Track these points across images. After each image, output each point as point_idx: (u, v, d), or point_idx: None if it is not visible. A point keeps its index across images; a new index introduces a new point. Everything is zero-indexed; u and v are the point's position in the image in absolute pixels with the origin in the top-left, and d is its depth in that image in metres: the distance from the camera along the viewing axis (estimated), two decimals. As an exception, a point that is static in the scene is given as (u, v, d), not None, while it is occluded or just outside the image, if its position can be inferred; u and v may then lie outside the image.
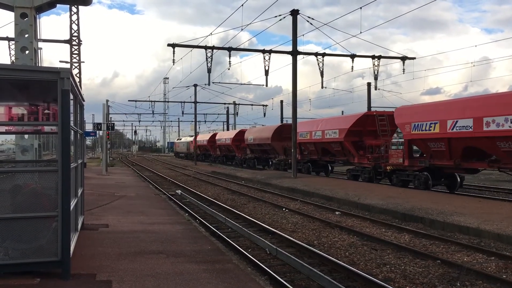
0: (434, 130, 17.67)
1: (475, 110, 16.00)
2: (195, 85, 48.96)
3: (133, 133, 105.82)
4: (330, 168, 29.62)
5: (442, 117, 17.30)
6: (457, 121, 16.60)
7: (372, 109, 42.52)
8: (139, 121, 76.91)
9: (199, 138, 59.89)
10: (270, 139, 35.44)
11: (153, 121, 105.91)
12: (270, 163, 38.33)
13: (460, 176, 18.89)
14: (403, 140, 19.53)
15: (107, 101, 49.79)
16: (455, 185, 18.90)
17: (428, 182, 18.49)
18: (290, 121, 29.14)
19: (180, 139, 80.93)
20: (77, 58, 33.65)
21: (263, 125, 46.58)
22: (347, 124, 24.38)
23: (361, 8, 22.26)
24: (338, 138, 24.98)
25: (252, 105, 59.69)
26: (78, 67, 33.55)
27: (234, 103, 61.94)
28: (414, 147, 20.40)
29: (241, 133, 44.68)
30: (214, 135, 55.21)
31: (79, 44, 33.48)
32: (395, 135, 23.54)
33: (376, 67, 28.11)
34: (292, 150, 26.41)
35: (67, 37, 33.34)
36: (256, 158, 40.85)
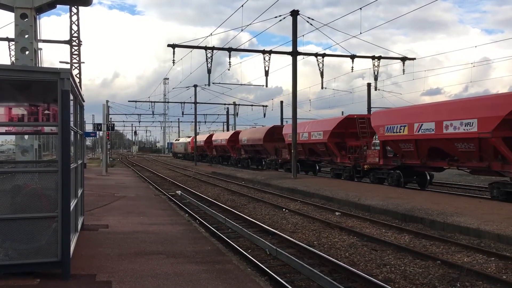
0: (403, 132, 19.58)
1: (437, 114, 17.89)
2: (195, 86, 48.99)
3: (133, 133, 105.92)
4: (317, 167, 30.89)
5: (410, 121, 19.16)
6: (422, 124, 18.44)
7: (372, 109, 42.52)
8: (139, 121, 77.08)
9: (197, 138, 60.93)
10: (262, 140, 37.08)
11: (153, 122, 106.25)
12: (263, 163, 39.60)
13: (430, 174, 20.71)
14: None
15: (107, 101, 49.78)
16: (425, 182, 20.74)
17: (400, 180, 20.37)
18: (290, 122, 29.50)
19: (178, 140, 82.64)
20: (77, 58, 33.68)
21: (263, 125, 47.59)
22: (330, 126, 26.11)
23: (361, 8, 22.31)
24: (322, 140, 26.74)
25: (252, 105, 59.77)
26: (78, 67, 33.58)
27: (234, 104, 61.96)
28: (388, 148, 22.04)
29: (236, 134, 46.18)
30: (211, 136, 56.41)
31: (79, 44, 33.51)
32: (375, 136, 24.79)
33: (376, 68, 28.11)
34: (293, 151, 26.40)
35: (67, 37, 33.37)
36: (250, 158, 42.32)
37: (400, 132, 19.78)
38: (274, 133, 36.24)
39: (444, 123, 17.24)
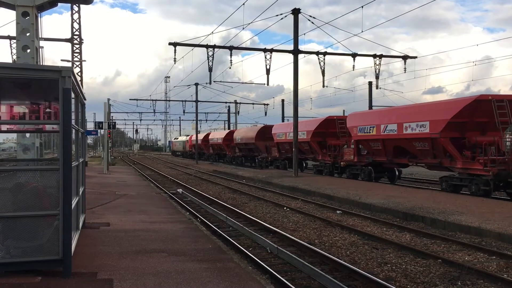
0: (373, 132, 22.02)
1: (398, 117, 20.47)
2: (197, 84, 48.95)
3: (134, 132, 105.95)
4: (304, 164, 32.88)
5: (378, 122, 21.61)
6: (387, 126, 20.93)
7: (373, 108, 42.57)
8: (141, 120, 76.84)
9: (194, 137, 63.61)
10: (254, 138, 39.35)
11: (154, 120, 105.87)
12: (256, 160, 41.37)
13: (398, 170, 23.13)
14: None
15: (108, 100, 49.85)
16: (394, 177, 23.19)
17: (371, 175, 22.93)
18: (291, 120, 29.73)
19: (177, 139, 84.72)
20: (79, 57, 33.69)
21: (264, 124, 48.25)
22: (313, 127, 28.44)
23: (362, 7, 22.24)
24: (306, 139, 29.04)
25: (253, 104, 59.97)
26: (79, 66, 33.58)
27: (235, 102, 61.88)
28: (361, 146, 24.12)
29: (231, 133, 48.39)
30: (208, 135, 58.58)
31: (80, 42, 33.51)
32: None
33: (377, 66, 28.09)
34: (294, 149, 26.41)
35: (69, 36, 33.38)
36: (244, 156, 44.45)
37: (370, 132, 22.22)
38: (265, 132, 38.09)
39: (404, 124, 19.76)
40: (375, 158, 22.66)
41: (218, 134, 54.52)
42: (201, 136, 59.98)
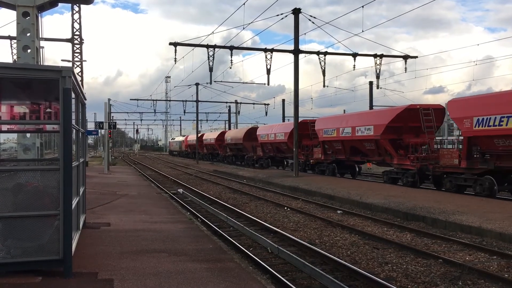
0: (334, 134, 25.63)
1: (352, 121, 24.19)
2: (197, 84, 48.95)
3: (135, 132, 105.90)
4: (285, 162, 36.20)
5: (338, 126, 25.30)
6: (344, 129, 24.55)
7: (374, 107, 42.61)
8: (141, 119, 76.95)
9: (189, 138, 69.15)
10: (242, 139, 42.28)
11: (155, 120, 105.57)
12: (245, 159, 43.85)
13: (358, 167, 27.10)
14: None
15: (109, 100, 49.86)
16: (355, 173, 27.10)
17: (334, 171, 26.68)
18: (292, 120, 30.13)
19: (174, 139, 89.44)
20: (79, 57, 33.69)
21: (265, 124, 49.34)
22: (289, 129, 31.67)
23: (363, 7, 22.21)
24: (284, 139, 32.81)
25: (254, 104, 60.06)
26: (80, 66, 33.58)
27: (236, 102, 61.88)
28: (327, 146, 27.57)
29: (222, 134, 52.22)
30: (202, 135, 61.60)
31: (81, 43, 33.50)
32: None
33: (378, 66, 28.07)
34: (294, 149, 26.41)
35: (70, 36, 33.37)
36: (234, 155, 47.44)
37: (332, 135, 25.81)
38: (252, 133, 41.07)
39: (356, 128, 23.42)
40: (337, 157, 26.44)
41: (211, 135, 57.83)
42: (195, 136, 62.61)
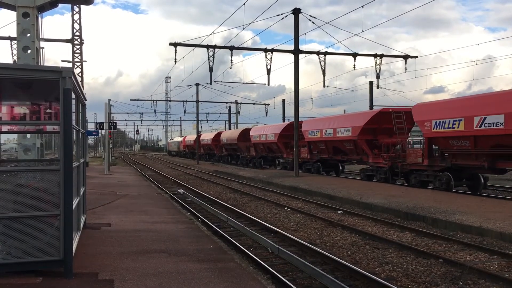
0: (318, 135, 27.67)
1: (334, 123, 26.20)
2: (197, 84, 48.96)
3: (135, 132, 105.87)
4: (277, 162, 37.28)
5: (321, 127, 27.41)
6: (327, 130, 26.58)
7: (374, 107, 42.66)
8: (141, 120, 77.00)
9: (187, 138, 72.10)
10: (237, 139, 44.24)
11: (155, 120, 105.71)
12: (239, 158, 45.61)
13: (342, 165, 28.79)
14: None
15: (109, 100, 49.85)
16: (338, 171, 28.67)
17: (319, 169, 28.55)
18: (292, 119, 30.29)
19: (172, 139, 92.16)
20: (79, 57, 33.70)
21: (264, 124, 50.05)
22: (279, 130, 34.43)
23: (363, 6, 22.18)
24: (274, 140, 34.96)
25: (254, 104, 60.09)
26: (80, 66, 33.59)
27: (236, 102, 61.91)
28: (312, 147, 29.55)
29: (218, 134, 54.03)
30: (199, 136, 62.99)
31: (81, 43, 33.52)
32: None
33: (378, 66, 28.06)
34: (294, 149, 26.43)
35: (70, 36, 33.38)
36: (229, 155, 49.44)
37: (317, 135, 27.65)
38: (246, 134, 42.82)
39: (337, 129, 25.42)
40: (321, 156, 28.55)
41: (208, 136, 59.62)
42: (193, 137, 64.87)
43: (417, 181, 19.61)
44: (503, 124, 14.86)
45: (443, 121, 17.55)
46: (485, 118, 15.63)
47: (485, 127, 15.64)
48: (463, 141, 16.91)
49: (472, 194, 16.97)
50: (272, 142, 35.67)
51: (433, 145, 18.90)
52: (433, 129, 18.05)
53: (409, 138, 22.70)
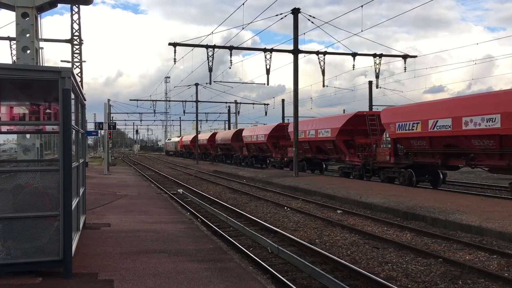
0: (302, 136, 29.25)
1: (316, 125, 28.65)
2: (197, 84, 48.94)
3: (135, 132, 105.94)
4: (268, 161, 38.92)
5: (305, 129, 29.53)
6: (309, 131, 29.09)
7: (374, 108, 42.79)
8: (141, 120, 77.01)
9: (184, 138, 74.58)
10: (231, 140, 46.05)
11: (154, 121, 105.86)
12: (233, 157, 47.72)
13: (326, 164, 31.02)
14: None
15: (108, 100, 49.83)
16: (322, 169, 30.83)
17: (304, 168, 30.58)
18: (291, 119, 30.44)
19: (170, 139, 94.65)
20: (79, 57, 33.68)
21: (264, 124, 50.78)
22: (268, 131, 37.07)
23: (362, 6, 22.17)
24: (264, 140, 37.54)
25: (253, 104, 60.08)
26: (79, 66, 33.58)
27: (236, 102, 61.89)
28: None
29: (214, 135, 56.38)
30: (195, 136, 63.71)
31: (80, 43, 33.50)
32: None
33: (377, 66, 28.03)
34: (294, 149, 26.42)
35: (70, 36, 33.36)
36: (224, 154, 51.57)
37: (301, 136, 28.89)
38: (239, 134, 44.49)
39: (318, 130, 27.93)
40: (306, 155, 30.75)
41: (204, 136, 61.00)
42: (190, 137, 66.26)
43: (385, 177, 21.74)
44: (451, 126, 17.25)
45: (404, 124, 20.00)
46: (437, 121, 18.08)
47: (437, 129, 18.05)
48: (421, 141, 19.23)
49: (472, 194, 17.00)
50: (262, 142, 38.12)
51: (398, 145, 21.19)
52: (397, 130, 20.45)
53: (385, 139, 25.67)
